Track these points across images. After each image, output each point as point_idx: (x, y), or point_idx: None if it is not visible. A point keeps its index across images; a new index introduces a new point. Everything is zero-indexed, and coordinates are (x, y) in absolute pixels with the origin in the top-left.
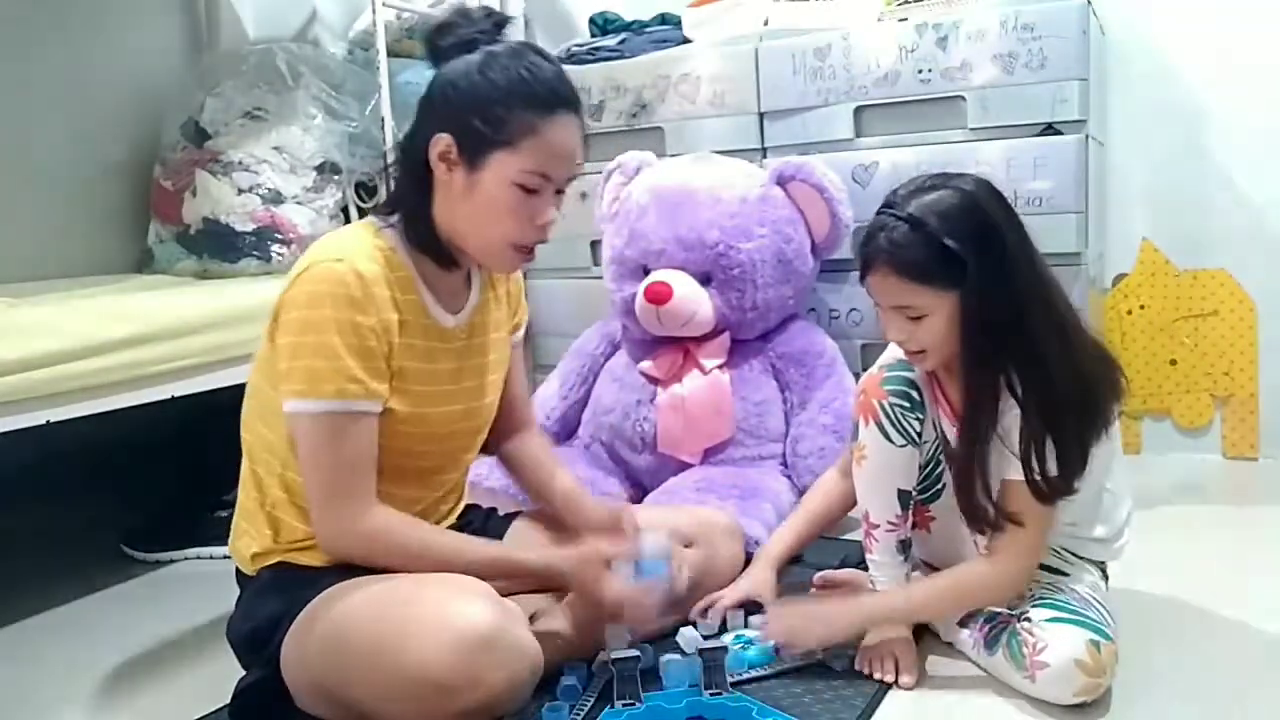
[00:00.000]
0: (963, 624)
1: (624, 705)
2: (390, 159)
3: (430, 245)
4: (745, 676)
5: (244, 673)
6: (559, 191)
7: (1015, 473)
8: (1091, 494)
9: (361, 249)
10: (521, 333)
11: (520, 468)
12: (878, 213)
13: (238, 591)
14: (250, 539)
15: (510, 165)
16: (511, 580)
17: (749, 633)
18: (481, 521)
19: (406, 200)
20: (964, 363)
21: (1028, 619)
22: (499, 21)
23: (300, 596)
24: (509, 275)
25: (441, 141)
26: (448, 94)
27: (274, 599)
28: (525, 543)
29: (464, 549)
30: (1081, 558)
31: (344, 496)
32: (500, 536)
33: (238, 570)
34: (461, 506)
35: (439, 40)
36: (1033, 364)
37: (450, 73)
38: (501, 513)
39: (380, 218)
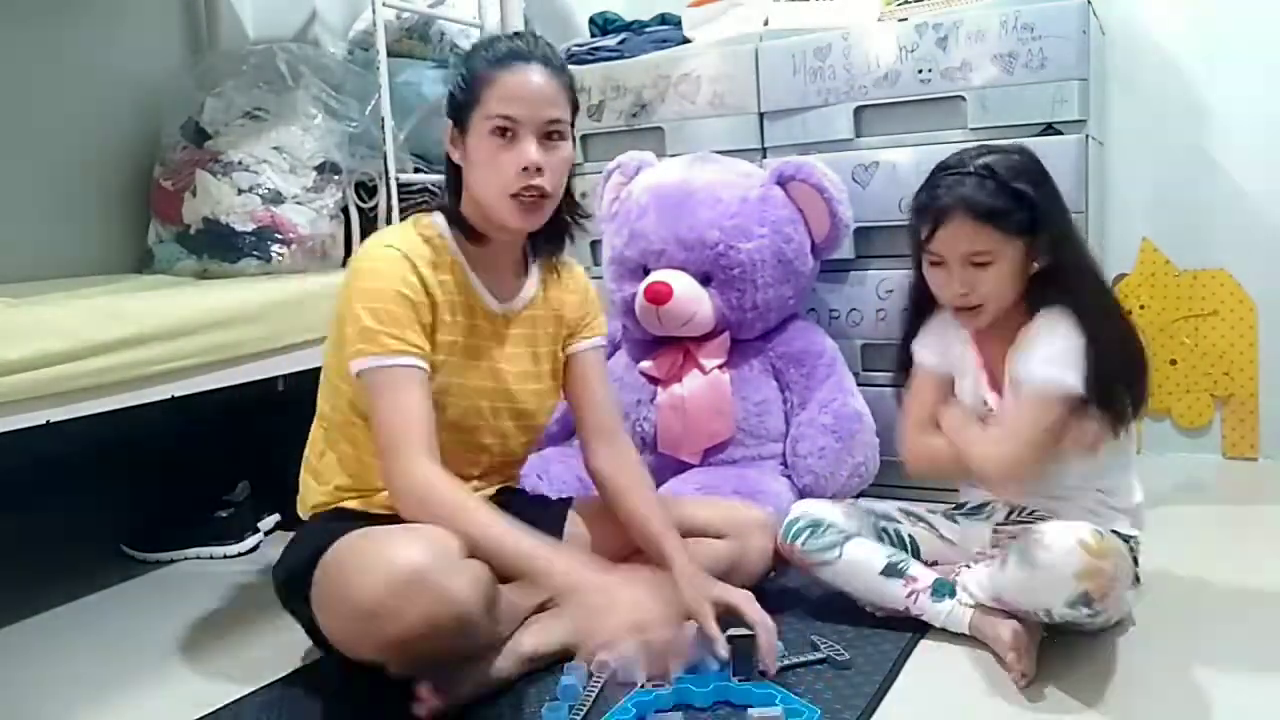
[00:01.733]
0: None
1: (654, 685)
2: (392, 160)
3: (462, 224)
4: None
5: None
6: (549, 137)
7: (1026, 374)
8: (1121, 464)
9: (407, 237)
10: (592, 342)
11: (604, 492)
12: (938, 174)
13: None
14: (312, 491)
15: (480, 119)
16: (536, 576)
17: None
18: (522, 506)
19: (449, 193)
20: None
21: (1038, 528)
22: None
23: (326, 545)
24: (574, 284)
25: (448, 128)
26: (449, 93)
27: (306, 545)
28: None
29: (494, 529)
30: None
31: (398, 449)
32: (549, 527)
33: (299, 521)
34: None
35: None
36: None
37: None
38: (554, 497)
39: (427, 213)
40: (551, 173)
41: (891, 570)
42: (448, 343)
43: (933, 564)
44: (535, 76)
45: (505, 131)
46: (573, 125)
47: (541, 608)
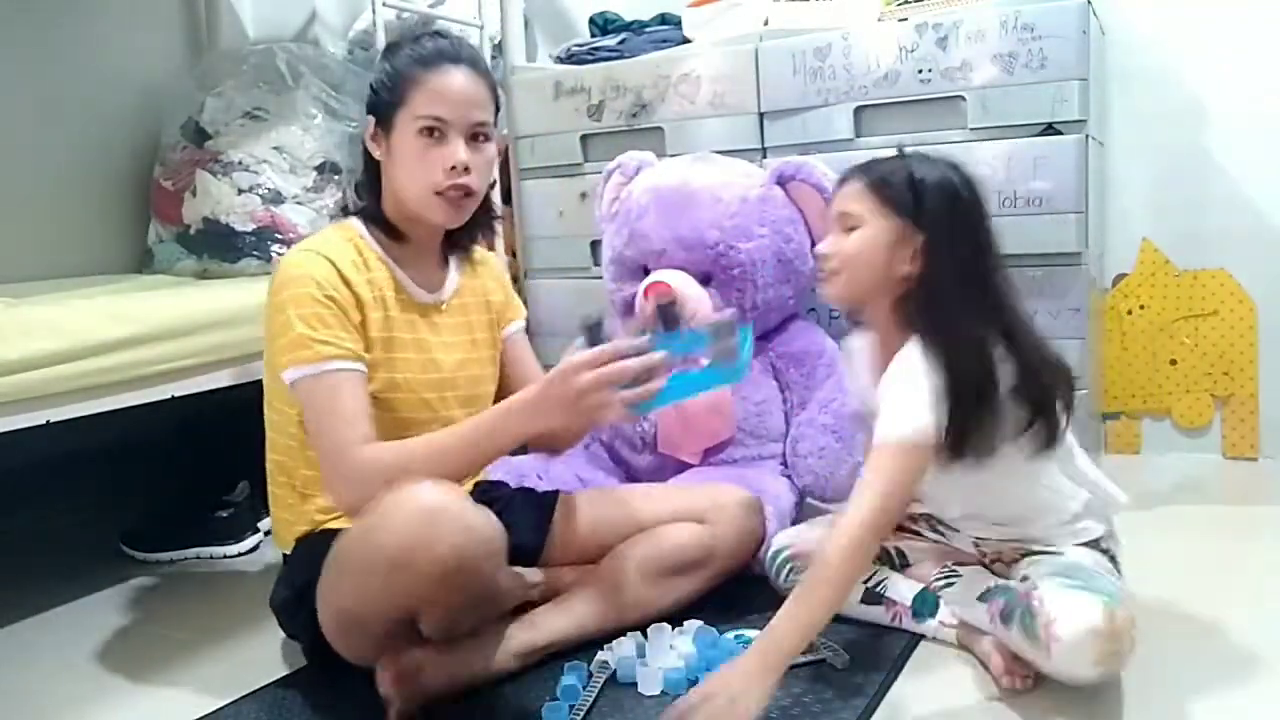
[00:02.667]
0: (981, 598)
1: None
2: None
3: (381, 220)
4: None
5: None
6: (475, 138)
7: (879, 436)
8: (1028, 492)
9: (327, 242)
10: (519, 324)
11: None
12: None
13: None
14: (289, 525)
15: (408, 118)
16: (501, 439)
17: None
18: (507, 499)
19: (363, 186)
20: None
21: (1038, 593)
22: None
23: (325, 554)
24: (490, 271)
25: (368, 124)
26: (369, 88)
27: (305, 566)
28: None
29: (455, 442)
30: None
31: (338, 457)
32: (538, 515)
33: (284, 556)
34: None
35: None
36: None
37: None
38: (540, 490)
39: (346, 215)
40: (477, 172)
41: (871, 597)
42: (383, 339)
43: (921, 562)
44: (463, 79)
45: (433, 132)
46: (495, 126)
47: (533, 605)
